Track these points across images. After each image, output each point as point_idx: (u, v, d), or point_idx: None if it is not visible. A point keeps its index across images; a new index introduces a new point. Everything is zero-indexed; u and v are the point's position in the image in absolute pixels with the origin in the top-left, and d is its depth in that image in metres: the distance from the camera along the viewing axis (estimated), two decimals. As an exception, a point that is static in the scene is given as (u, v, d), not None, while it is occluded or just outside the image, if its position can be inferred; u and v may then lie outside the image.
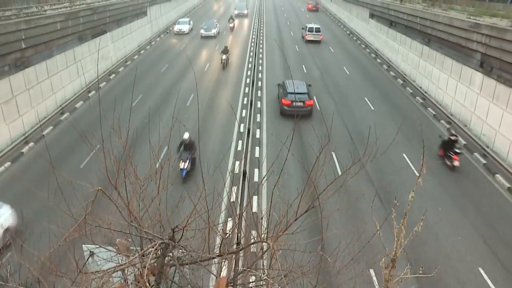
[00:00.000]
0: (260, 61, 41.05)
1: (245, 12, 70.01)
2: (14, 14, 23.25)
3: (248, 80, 34.02)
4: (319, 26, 51.59)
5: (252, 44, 48.51)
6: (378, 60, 41.88)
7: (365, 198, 16.34)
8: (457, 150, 20.28)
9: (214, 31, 51.42)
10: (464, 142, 23.25)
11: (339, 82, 34.29)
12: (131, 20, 43.26)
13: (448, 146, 20.66)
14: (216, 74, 36.32)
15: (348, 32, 58.65)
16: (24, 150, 21.49)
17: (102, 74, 34.41)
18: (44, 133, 23.22)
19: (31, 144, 22.05)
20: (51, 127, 24.26)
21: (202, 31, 51.39)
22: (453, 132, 23.12)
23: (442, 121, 26.29)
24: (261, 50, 45.59)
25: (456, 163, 20.07)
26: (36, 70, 24.34)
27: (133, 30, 44.14)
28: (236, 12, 69.20)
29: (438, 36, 29.31)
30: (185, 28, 54.26)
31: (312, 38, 50.29)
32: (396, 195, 16.02)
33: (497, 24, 22.21)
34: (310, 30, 50.48)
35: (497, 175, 19.78)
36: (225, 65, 37.75)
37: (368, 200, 15.99)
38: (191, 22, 57.12)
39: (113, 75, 34.97)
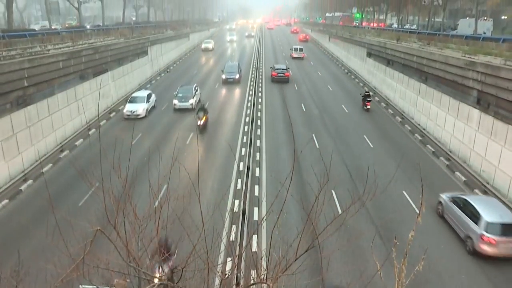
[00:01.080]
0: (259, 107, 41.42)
1: (236, 77, 47.98)
2: (19, 54, 23.72)
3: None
4: (302, 47, 72.90)
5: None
6: (376, 98, 42.32)
7: (366, 236, 16.16)
8: (369, 99, 37.35)
9: (191, 101, 36.38)
10: (464, 178, 23.21)
11: (338, 120, 34.54)
12: (132, 59, 44.03)
13: (364, 98, 37.45)
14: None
15: (346, 70, 59.56)
16: (23, 187, 21.43)
17: (103, 112, 34.71)
18: (43, 170, 23.19)
19: (30, 181, 22.00)
20: (50, 165, 24.27)
21: (175, 101, 36.31)
22: (366, 89, 43.20)
23: (442, 158, 26.33)
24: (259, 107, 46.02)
25: (368, 107, 37.28)
26: (37, 108, 24.58)
27: (134, 69, 44.84)
28: (224, 76, 48.02)
29: (434, 74, 29.77)
30: (140, 109, 34.02)
31: (296, 56, 69.40)
32: (397, 233, 15.90)
33: (492, 62, 22.64)
34: (295, 49, 70.86)
35: (499, 212, 19.60)
36: (201, 128, 30.20)
37: (368, 238, 15.80)
38: (152, 97, 37.16)
39: (114, 113, 35.26)
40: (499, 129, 21.59)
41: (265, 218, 5.92)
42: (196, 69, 57.27)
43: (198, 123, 29.81)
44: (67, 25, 57.24)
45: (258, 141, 28.74)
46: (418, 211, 5.04)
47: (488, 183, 21.85)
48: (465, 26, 44.80)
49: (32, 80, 23.67)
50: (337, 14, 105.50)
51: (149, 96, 36.42)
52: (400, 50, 37.51)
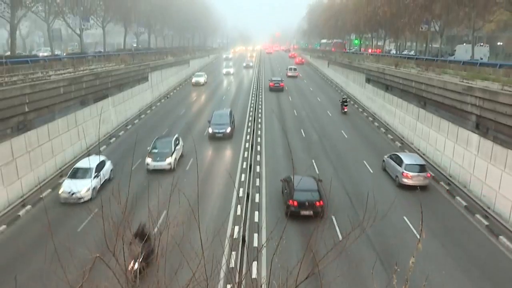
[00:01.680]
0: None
1: (228, 130, 35.80)
2: (20, 79, 23.93)
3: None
4: (296, 67, 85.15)
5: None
6: (376, 124, 42.51)
7: (367, 262, 15.98)
8: (345, 104, 47.03)
9: (169, 160, 27.56)
10: (464, 203, 23.10)
11: (338, 145, 34.58)
12: (132, 85, 44.39)
13: (342, 103, 47.24)
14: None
15: (345, 96, 59.96)
16: (21, 213, 21.31)
17: (103, 137, 34.77)
18: (42, 195, 23.09)
19: (28, 207, 21.89)
20: (49, 190, 24.17)
21: (149, 160, 27.55)
22: (344, 96, 51.63)
23: (442, 183, 26.26)
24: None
25: (345, 110, 46.78)
26: (37, 133, 24.66)
27: (134, 95, 45.15)
28: (210, 130, 35.88)
29: (433, 99, 29.99)
30: (84, 189, 22.59)
31: (291, 74, 79.81)
32: (398, 258, 15.74)
33: (489, 87, 22.85)
34: (290, 69, 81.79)
35: (501, 237, 19.46)
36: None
37: (369, 264, 15.62)
38: (106, 166, 25.96)
39: (114, 138, 35.35)
40: (498, 154, 21.63)
41: (265, 245, 5.88)
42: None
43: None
44: (68, 51, 57.92)
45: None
46: (418, 236, 5.01)
47: (489, 208, 21.73)
48: (462, 51, 45.36)
49: (33, 106, 23.83)
50: (329, 41, 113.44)
51: (100, 166, 24.61)
52: (398, 76, 37.87)
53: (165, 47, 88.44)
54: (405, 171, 24.99)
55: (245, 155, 31.27)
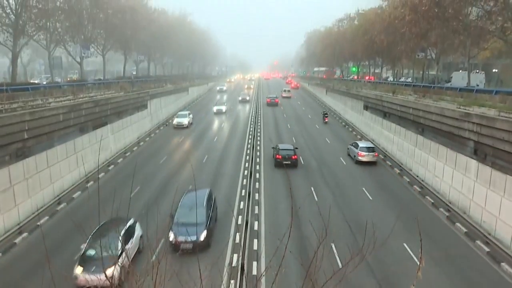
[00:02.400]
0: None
1: (201, 238, 19.89)
2: (20, 107, 24.04)
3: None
4: (289, 89, 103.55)
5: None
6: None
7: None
8: (326, 115, 59.50)
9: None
10: (465, 229, 22.93)
11: (336, 172, 34.54)
12: (131, 112, 44.60)
13: (323, 115, 59.88)
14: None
15: (343, 123, 60.29)
16: (17, 240, 21.07)
17: (102, 164, 34.72)
18: (39, 223, 22.88)
19: (25, 234, 21.66)
20: (47, 217, 23.98)
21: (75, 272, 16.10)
22: (325, 110, 64.45)
23: (441, 209, 26.13)
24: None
25: (326, 121, 58.96)
26: (36, 160, 24.63)
27: (133, 122, 45.33)
28: (171, 237, 19.46)
29: (431, 125, 30.14)
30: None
31: (285, 95, 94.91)
32: (398, 286, 15.53)
33: (486, 113, 23.00)
34: (285, 91, 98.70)
35: (503, 264, 19.25)
36: None
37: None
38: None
39: (112, 166, 35.28)
40: (497, 179, 21.60)
41: (263, 274, 5.80)
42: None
43: None
44: (68, 79, 58.43)
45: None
46: (418, 264, 4.95)
47: (490, 234, 21.57)
48: (458, 78, 45.78)
49: (32, 133, 23.88)
50: (321, 68, 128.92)
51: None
52: (396, 103, 38.17)
53: (164, 75, 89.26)
54: (360, 152, 36.76)
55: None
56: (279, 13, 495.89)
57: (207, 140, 47.33)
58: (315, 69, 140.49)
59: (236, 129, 54.60)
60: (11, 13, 35.55)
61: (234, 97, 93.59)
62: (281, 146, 37.08)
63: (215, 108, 69.97)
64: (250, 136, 47.99)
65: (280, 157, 34.86)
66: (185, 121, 55.50)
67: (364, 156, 36.33)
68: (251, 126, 54.83)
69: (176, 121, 55.53)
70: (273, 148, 37.75)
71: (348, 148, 39.99)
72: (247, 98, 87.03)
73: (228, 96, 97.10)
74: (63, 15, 42.04)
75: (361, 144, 38.18)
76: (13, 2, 35.31)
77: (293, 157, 35.06)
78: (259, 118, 62.02)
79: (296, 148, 37.10)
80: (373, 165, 36.60)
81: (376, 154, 37.29)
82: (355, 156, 37.10)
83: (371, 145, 38.78)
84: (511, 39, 32.78)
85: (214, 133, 52.04)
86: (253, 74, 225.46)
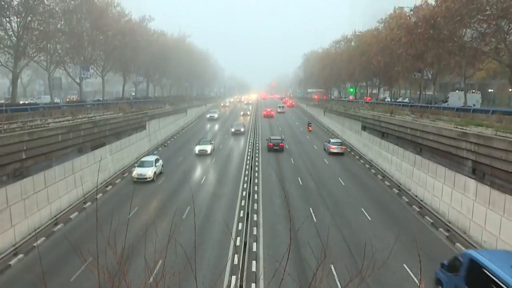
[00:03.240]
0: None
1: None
2: (19, 127, 24.08)
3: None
4: (284, 105, 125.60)
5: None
6: (373, 171, 42.57)
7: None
8: (310, 124, 75.70)
9: None
10: (465, 249, 22.75)
11: (335, 193, 34.42)
12: (130, 133, 44.66)
13: (307, 124, 75.16)
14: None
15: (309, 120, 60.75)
16: (12, 262, 20.78)
17: (100, 185, 34.62)
18: (35, 244, 22.66)
19: (20, 255, 21.37)
20: (43, 238, 23.74)
21: None
22: (309, 121, 79.06)
23: (441, 229, 25.98)
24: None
25: (310, 129, 74.04)
26: (33, 180, 24.52)
27: (132, 143, 45.34)
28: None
29: (429, 145, 30.21)
30: None
31: (280, 110, 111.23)
32: None
33: (483, 133, 23.10)
34: (279, 107, 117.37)
35: (503, 285, 19.04)
36: None
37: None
38: None
39: (110, 186, 35.12)
40: (496, 199, 21.57)
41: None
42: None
43: None
44: (67, 100, 58.72)
45: (255, 213, 28.05)
46: (419, 284, 4.92)
47: (490, 255, 21.40)
48: (455, 98, 46.21)
49: (31, 153, 23.83)
50: (313, 90, 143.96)
51: None
52: (394, 123, 38.30)
53: (163, 96, 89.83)
54: (331, 145, 51.46)
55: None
56: (277, 34, 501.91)
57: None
58: (309, 90, 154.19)
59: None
60: (13, 35, 36.00)
61: (227, 127, 77.48)
62: (273, 137, 55.28)
63: (197, 148, 50.69)
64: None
65: (271, 144, 52.32)
66: (149, 172, 36.68)
67: (334, 149, 50.64)
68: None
69: (136, 172, 36.81)
70: (268, 139, 54.86)
71: (324, 144, 55.38)
72: (242, 129, 70.33)
73: (220, 125, 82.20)
74: (63, 37, 42.57)
75: (332, 140, 54.35)
76: (16, 25, 35.80)
77: (280, 144, 52.34)
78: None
79: (283, 139, 55.46)
80: (371, 184, 36.61)
81: (344, 147, 51.52)
82: (328, 148, 51.53)
83: (340, 140, 54.82)
84: (505, 60, 33.18)
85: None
86: (251, 96, 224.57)
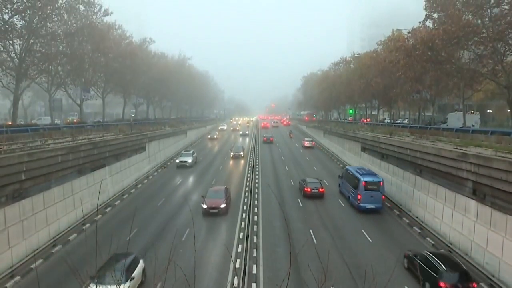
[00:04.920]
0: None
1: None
2: (19, 148, 24.08)
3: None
4: (278, 120, 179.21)
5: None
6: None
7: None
8: (291, 134, 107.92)
9: None
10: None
11: (335, 215, 34.20)
12: (130, 155, 44.65)
13: (289, 133, 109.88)
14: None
15: (341, 165, 60.24)
16: (8, 284, 20.52)
17: (99, 207, 34.44)
18: (33, 266, 22.41)
19: (17, 278, 21.14)
20: (41, 260, 23.50)
21: None
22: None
23: (442, 250, 25.74)
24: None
25: (291, 136, 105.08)
26: (32, 202, 24.42)
27: (131, 165, 45.28)
28: None
29: (429, 166, 30.17)
30: None
31: (274, 125, 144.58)
32: None
33: (483, 153, 23.10)
34: (274, 121, 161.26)
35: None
36: None
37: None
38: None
39: (109, 208, 34.96)
40: (498, 220, 21.44)
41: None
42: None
43: None
44: (68, 121, 58.87)
45: (255, 235, 27.82)
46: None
47: (493, 276, 21.17)
48: (454, 119, 46.35)
49: (30, 174, 23.79)
50: (303, 112, 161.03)
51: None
52: (393, 144, 38.33)
53: (163, 118, 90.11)
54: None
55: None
56: (276, 58, 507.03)
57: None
58: (302, 112, 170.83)
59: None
60: (15, 57, 36.36)
61: (219, 159, 66.57)
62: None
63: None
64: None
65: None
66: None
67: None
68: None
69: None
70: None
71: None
72: (241, 153, 66.48)
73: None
74: (65, 59, 42.91)
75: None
76: (18, 47, 36.19)
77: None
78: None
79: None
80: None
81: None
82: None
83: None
84: (503, 81, 33.44)
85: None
86: (249, 119, 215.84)
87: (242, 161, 62.37)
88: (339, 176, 43.82)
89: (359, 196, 33.91)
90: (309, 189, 39.05)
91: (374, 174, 35.93)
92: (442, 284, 19.15)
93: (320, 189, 39.18)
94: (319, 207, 36.15)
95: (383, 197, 34.66)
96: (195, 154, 62.18)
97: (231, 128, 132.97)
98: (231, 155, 66.73)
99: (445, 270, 19.70)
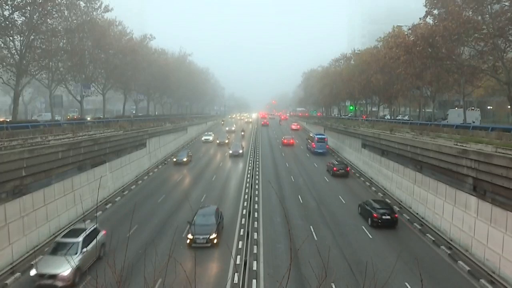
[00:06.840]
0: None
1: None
2: (19, 144, 24.08)
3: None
4: (274, 115, 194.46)
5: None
6: (373, 188, 42.44)
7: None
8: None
9: None
10: (468, 268, 22.58)
11: (336, 212, 34.19)
12: (130, 151, 44.62)
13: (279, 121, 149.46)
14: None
15: (339, 159, 60.34)
16: (9, 281, 20.53)
17: (99, 203, 34.47)
18: (33, 262, 22.43)
19: (17, 274, 21.15)
20: (41, 256, 23.48)
21: None
22: (294, 123, 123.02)
23: (443, 247, 25.78)
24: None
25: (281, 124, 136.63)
26: (33, 198, 24.44)
27: (132, 161, 45.27)
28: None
29: (429, 163, 30.14)
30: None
31: (271, 116, 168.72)
32: None
33: (483, 150, 23.06)
34: (271, 115, 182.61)
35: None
36: None
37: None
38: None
39: (110, 204, 35.00)
40: (498, 216, 21.43)
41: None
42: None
43: None
44: (68, 117, 58.86)
45: (255, 231, 27.93)
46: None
47: (494, 273, 21.18)
48: (454, 116, 46.29)
49: (30, 170, 23.80)
50: (299, 109, 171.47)
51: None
52: (394, 141, 38.24)
53: (163, 114, 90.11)
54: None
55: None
56: (277, 54, 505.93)
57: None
58: (297, 108, 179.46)
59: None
60: (16, 53, 36.34)
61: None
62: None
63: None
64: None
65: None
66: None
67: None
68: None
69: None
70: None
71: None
72: (240, 151, 63.89)
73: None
74: (65, 55, 42.90)
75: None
76: (19, 44, 36.17)
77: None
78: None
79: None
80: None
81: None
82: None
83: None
84: (503, 77, 33.41)
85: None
86: (249, 115, 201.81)
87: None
88: (306, 139, 77.72)
89: (313, 145, 66.30)
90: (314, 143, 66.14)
91: (323, 134, 70.02)
92: (375, 215, 29.57)
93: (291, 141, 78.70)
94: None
95: (327, 146, 68.01)
96: (190, 153, 62.36)
97: (226, 128, 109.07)
98: (229, 153, 64.49)
99: (377, 207, 30.35)
